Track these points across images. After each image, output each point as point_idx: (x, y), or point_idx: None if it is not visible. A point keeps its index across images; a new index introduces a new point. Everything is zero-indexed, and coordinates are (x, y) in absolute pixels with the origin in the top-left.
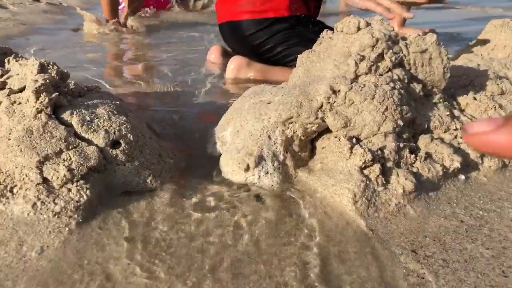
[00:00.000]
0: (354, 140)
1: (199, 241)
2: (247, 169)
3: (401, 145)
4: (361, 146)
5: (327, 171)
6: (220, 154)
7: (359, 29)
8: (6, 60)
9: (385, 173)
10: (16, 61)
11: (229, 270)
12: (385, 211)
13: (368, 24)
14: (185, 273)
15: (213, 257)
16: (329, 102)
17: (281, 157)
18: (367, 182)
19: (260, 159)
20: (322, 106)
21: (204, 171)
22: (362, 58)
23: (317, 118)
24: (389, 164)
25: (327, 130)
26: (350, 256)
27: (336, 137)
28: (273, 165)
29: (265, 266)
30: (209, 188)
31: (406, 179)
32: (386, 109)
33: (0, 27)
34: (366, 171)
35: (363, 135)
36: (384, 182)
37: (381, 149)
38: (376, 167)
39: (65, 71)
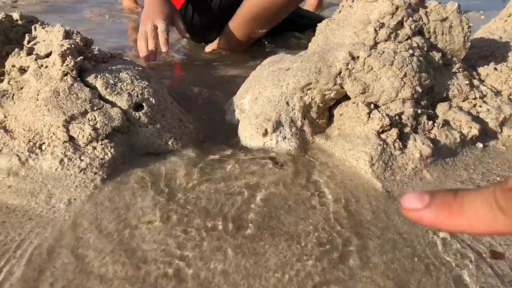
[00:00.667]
0: (372, 106)
1: (218, 198)
2: (265, 134)
3: (419, 111)
4: (379, 111)
5: (345, 136)
6: (239, 122)
7: None
8: (33, 27)
9: (403, 138)
10: (42, 28)
11: (246, 226)
12: (402, 174)
13: None
14: (206, 225)
15: (232, 213)
16: (347, 68)
17: (299, 123)
18: (384, 146)
19: (278, 125)
20: (341, 72)
21: (223, 136)
22: (382, 25)
23: (335, 84)
24: (407, 129)
25: (345, 98)
26: (367, 214)
27: (354, 103)
28: (291, 130)
29: (283, 225)
30: (228, 151)
31: (423, 144)
32: (405, 75)
33: (23, 4)
34: (383, 135)
35: (381, 101)
36: (401, 146)
37: (399, 115)
38: (394, 132)
39: (89, 37)
